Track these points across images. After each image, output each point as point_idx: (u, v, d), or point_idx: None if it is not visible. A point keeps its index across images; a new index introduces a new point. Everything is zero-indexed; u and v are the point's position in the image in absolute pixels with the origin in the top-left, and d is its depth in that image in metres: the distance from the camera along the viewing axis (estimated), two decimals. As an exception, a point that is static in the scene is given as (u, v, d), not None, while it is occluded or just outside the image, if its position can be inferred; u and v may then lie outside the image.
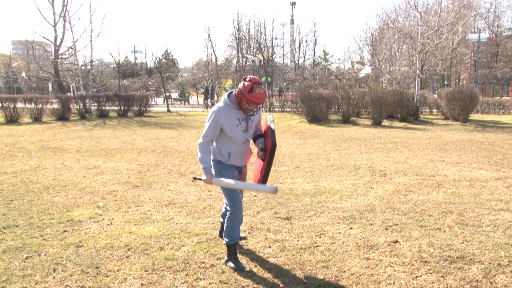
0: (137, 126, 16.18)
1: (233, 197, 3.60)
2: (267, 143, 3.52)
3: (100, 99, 21.17)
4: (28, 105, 18.62)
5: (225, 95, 3.57)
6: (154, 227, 4.55)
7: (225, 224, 3.67)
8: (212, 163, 3.66)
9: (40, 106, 18.59)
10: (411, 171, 7.37)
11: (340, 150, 9.84)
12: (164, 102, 29.88)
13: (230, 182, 3.48)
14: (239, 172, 3.74)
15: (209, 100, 28.58)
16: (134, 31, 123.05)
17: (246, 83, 3.39)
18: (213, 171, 3.65)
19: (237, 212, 3.60)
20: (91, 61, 24.59)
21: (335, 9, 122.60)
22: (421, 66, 18.16)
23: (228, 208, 3.66)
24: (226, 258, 3.68)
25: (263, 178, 3.54)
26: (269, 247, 4.02)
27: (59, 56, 24.98)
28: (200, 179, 3.62)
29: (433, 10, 21.55)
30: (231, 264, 3.59)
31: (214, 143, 3.62)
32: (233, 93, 3.54)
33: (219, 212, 5.04)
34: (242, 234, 4.20)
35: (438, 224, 4.58)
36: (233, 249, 3.66)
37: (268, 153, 3.46)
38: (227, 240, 3.65)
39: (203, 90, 31.69)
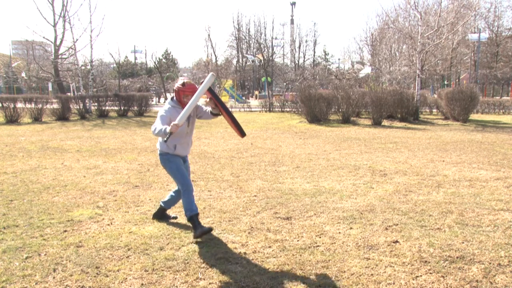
0: (137, 126, 16.18)
1: (183, 178, 4.25)
2: (219, 106, 4.16)
3: (100, 99, 21.18)
4: (28, 105, 18.63)
5: (169, 99, 4.34)
6: (154, 227, 4.55)
7: (182, 201, 4.24)
8: (159, 156, 4.37)
9: (40, 106, 18.60)
10: (411, 171, 7.37)
11: (340, 150, 9.84)
12: (164, 102, 29.92)
13: (186, 108, 3.98)
14: (184, 161, 4.45)
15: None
16: (134, 31, 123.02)
17: (179, 81, 4.29)
18: (161, 157, 4.35)
19: (189, 187, 4.24)
20: (91, 61, 24.59)
21: (335, 9, 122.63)
22: (421, 66, 18.16)
23: (181, 188, 4.25)
24: (193, 232, 4.13)
25: (239, 129, 4.13)
26: (269, 247, 4.01)
27: (59, 56, 24.97)
28: (170, 134, 3.90)
29: (433, 10, 21.54)
30: (199, 232, 4.07)
31: (161, 139, 4.27)
32: (174, 97, 4.28)
33: (219, 212, 5.05)
34: (173, 215, 4.89)
35: (438, 224, 4.58)
36: (196, 220, 4.16)
37: (222, 110, 4.14)
38: (188, 213, 4.17)
39: None
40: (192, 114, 4.30)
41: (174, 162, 4.29)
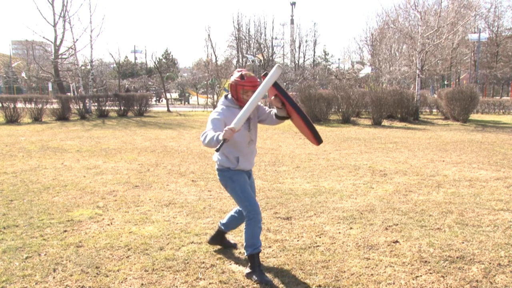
0: (137, 126, 16.18)
1: (249, 202, 3.40)
2: (288, 106, 3.37)
3: (100, 99, 21.20)
4: (28, 105, 18.62)
5: (222, 99, 3.51)
6: (154, 227, 4.55)
7: (245, 231, 3.43)
8: (217, 172, 3.56)
9: (40, 106, 18.60)
10: (411, 171, 7.37)
11: (340, 150, 9.84)
12: (164, 102, 29.92)
13: (245, 108, 3.17)
14: (249, 177, 3.60)
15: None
16: (134, 31, 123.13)
17: (235, 74, 3.42)
18: (221, 173, 3.53)
19: (256, 215, 3.38)
20: (91, 61, 24.59)
21: (335, 9, 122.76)
22: (421, 66, 18.16)
23: (245, 214, 3.42)
24: (248, 270, 3.40)
25: (315, 135, 3.39)
26: (269, 247, 4.01)
27: (59, 56, 24.98)
28: (224, 141, 3.04)
29: (433, 10, 21.53)
30: (255, 277, 3.31)
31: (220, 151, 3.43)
32: (229, 95, 3.50)
33: (219, 212, 5.04)
34: (232, 241, 4.05)
35: (438, 224, 4.58)
36: (257, 260, 3.39)
37: (292, 111, 3.33)
38: (249, 250, 3.38)
39: (203, 90, 31.46)
40: (252, 116, 3.45)
41: (238, 182, 3.42)
